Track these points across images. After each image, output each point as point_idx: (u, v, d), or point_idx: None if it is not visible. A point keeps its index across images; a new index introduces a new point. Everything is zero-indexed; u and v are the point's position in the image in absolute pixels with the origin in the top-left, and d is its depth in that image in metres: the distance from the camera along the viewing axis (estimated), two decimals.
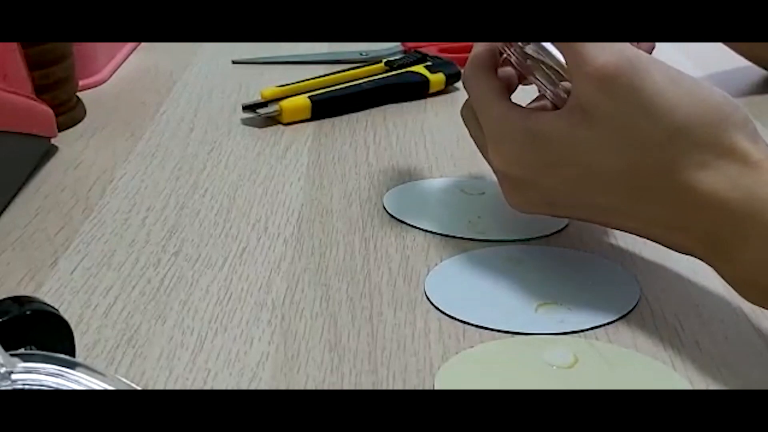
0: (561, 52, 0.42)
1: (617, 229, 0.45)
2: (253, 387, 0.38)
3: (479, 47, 0.47)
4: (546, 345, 0.41)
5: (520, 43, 0.45)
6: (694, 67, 0.74)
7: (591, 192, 0.42)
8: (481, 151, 0.48)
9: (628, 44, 0.40)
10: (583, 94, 0.40)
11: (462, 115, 0.48)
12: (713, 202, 0.38)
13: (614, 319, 0.43)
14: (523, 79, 0.49)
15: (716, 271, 0.40)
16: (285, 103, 0.65)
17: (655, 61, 0.40)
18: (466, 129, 0.48)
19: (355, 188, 0.56)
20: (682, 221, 0.40)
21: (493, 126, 0.44)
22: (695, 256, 0.41)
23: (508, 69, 0.48)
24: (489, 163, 0.46)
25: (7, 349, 0.28)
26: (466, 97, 0.47)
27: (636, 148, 0.39)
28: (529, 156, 0.43)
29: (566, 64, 0.42)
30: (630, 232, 0.43)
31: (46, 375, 0.28)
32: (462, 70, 0.49)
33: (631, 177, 0.40)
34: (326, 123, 0.66)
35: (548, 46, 0.44)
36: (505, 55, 0.47)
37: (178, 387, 0.38)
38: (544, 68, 0.44)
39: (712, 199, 0.38)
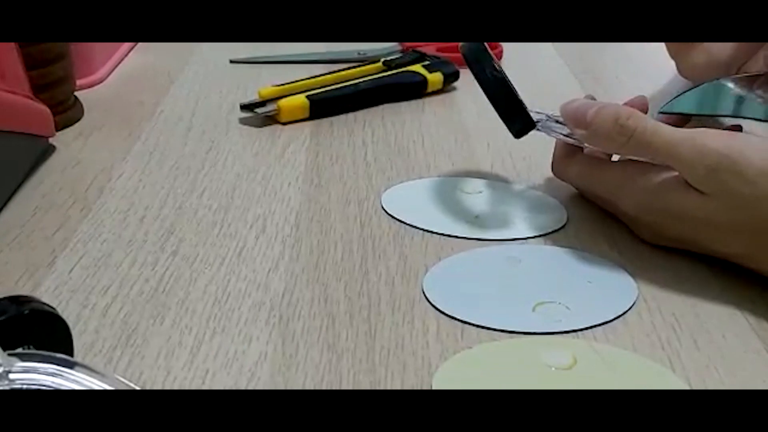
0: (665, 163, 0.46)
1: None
2: (251, 386, 0.38)
3: (558, 144, 0.53)
4: (545, 346, 0.41)
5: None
6: None
7: (711, 240, 0.46)
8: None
9: (710, 135, 0.43)
10: (691, 181, 0.44)
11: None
12: None
13: (612, 318, 0.43)
14: None
15: None
16: (283, 102, 0.65)
17: (749, 146, 0.43)
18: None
19: (353, 187, 0.56)
20: None
21: (612, 185, 0.49)
22: None
23: None
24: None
25: (5, 349, 0.28)
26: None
27: (744, 214, 0.43)
28: (655, 206, 0.47)
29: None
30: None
31: (45, 374, 0.28)
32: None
33: (743, 233, 0.44)
34: (324, 122, 0.66)
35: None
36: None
37: (176, 387, 0.38)
38: None
39: None
